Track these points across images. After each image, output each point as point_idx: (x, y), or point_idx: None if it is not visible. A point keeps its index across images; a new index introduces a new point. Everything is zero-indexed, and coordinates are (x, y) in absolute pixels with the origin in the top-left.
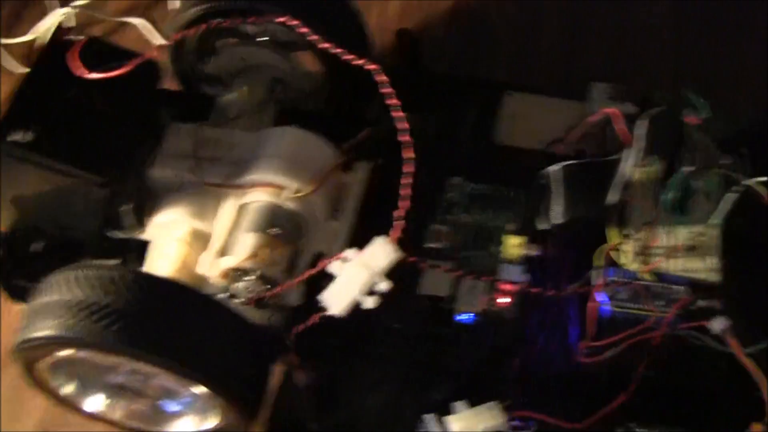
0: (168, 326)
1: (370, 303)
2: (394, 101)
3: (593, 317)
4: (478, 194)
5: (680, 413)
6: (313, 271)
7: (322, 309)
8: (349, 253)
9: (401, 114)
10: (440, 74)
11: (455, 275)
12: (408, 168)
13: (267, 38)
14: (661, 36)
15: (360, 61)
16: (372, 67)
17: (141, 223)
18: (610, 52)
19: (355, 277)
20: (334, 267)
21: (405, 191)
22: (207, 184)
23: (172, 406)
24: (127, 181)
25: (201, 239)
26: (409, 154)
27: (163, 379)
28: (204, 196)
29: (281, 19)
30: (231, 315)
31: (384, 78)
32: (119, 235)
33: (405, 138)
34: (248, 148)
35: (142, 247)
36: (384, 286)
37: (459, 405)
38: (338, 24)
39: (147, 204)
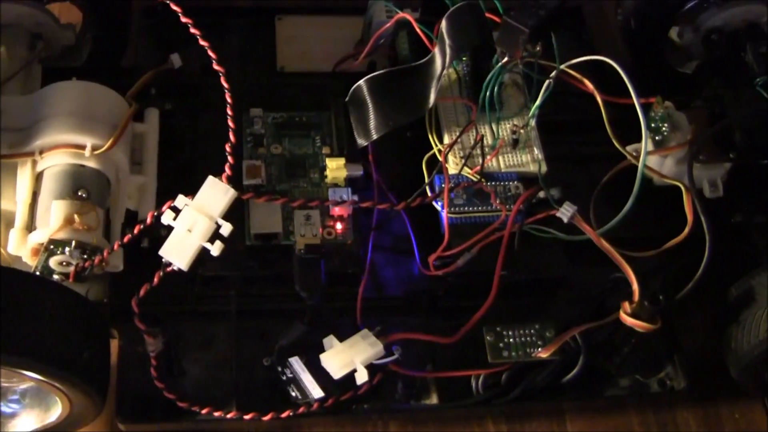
0: None
1: (216, 249)
2: (196, 31)
3: (446, 223)
4: (281, 123)
5: (541, 308)
6: (136, 230)
7: (163, 266)
8: (180, 200)
9: (206, 43)
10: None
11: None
12: (228, 98)
13: None
14: None
15: None
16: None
17: None
18: None
19: (195, 224)
20: (167, 217)
21: (232, 123)
22: None
23: (4, 408)
24: None
25: (3, 219)
26: (224, 83)
27: None
28: None
29: None
30: (56, 289)
31: (177, 8)
32: None
33: (218, 67)
34: (28, 111)
35: None
36: (227, 228)
37: (328, 340)
38: None
39: None
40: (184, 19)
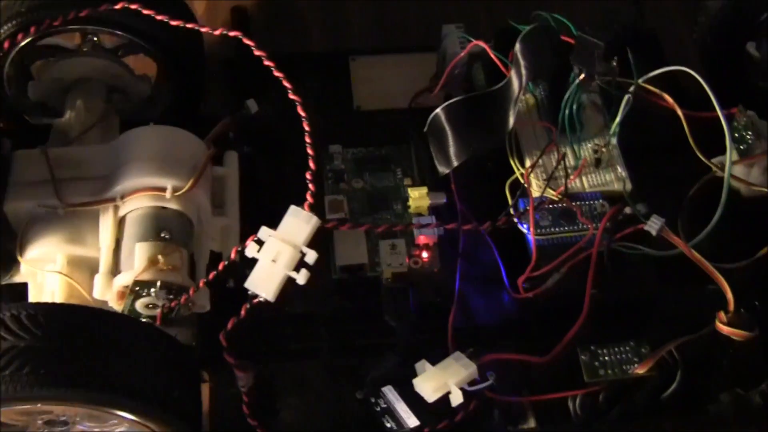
0: (87, 356)
1: (302, 278)
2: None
3: (534, 243)
4: (361, 157)
5: (634, 326)
6: (221, 267)
7: (250, 298)
8: (264, 231)
9: (287, 83)
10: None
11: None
12: (306, 126)
13: (88, 48)
14: None
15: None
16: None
17: (9, 268)
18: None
19: (279, 254)
20: (251, 250)
21: (311, 150)
22: (71, 205)
23: None
24: None
25: (82, 265)
26: (301, 111)
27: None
28: (74, 219)
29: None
30: (147, 329)
31: (250, 42)
32: None
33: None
34: (107, 158)
35: (20, 291)
36: (311, 256)
37: (421, 365)
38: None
39: (13, 244)
40: (267, 63)
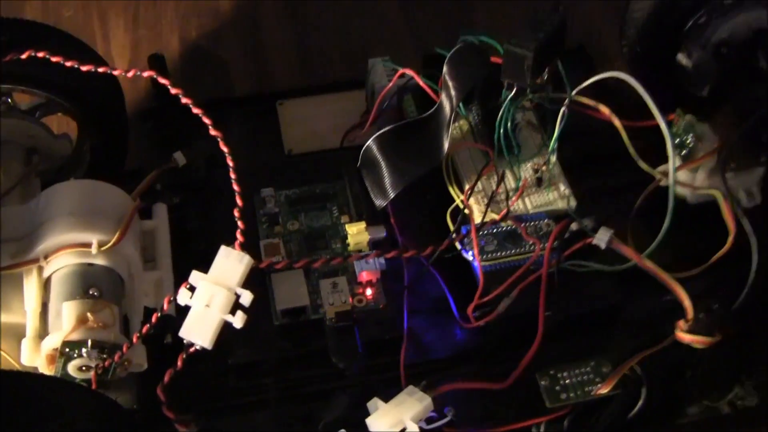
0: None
1: (238, 321)
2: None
3: (480, 270)
4: (295, 198)
5: (593, 344)
6: (154, 320)
7: (186, 347)
8: (195, 276)
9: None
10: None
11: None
12: (230, 162)
13: (3, 108)
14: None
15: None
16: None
17: None
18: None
19: (212, 297)
20: (183, 297)
21: (237, 187)
22: None
23: None
24: None
25: (9, 333)
26: (224, 147)
27: None
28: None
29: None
30: (81, 392)
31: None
32: None
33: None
34: (27, 218)
35: None
36: (247, 298)
37: (373, 403)
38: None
39: None
40: (195, 110)
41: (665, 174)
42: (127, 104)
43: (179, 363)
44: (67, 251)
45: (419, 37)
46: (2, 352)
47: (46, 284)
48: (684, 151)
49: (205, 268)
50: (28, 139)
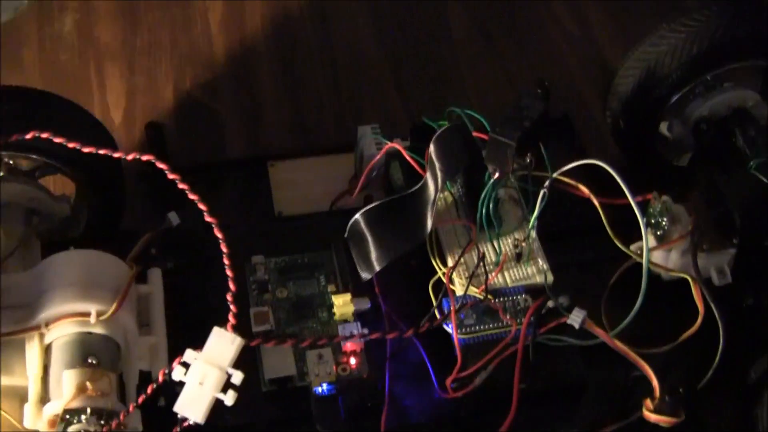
0: None
1: (230, 399)
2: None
3: (457, 345)
4: (284, 267)
5: (564, 415)
6: (149, 390)
7: (180, 421)
8: (189, 354)
9: (196, 197)
10: (192, 166)
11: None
12: (224, 247)
13: (3, 172)
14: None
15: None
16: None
17: None
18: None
19: (205, 376)
20: (177, 373)
21: (230, 272)
22: None
23: None
24: None
25: (11, 395)
26: (219, 234)
27: None
28: (3, 349)
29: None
30: None
31: (164, 165)
32: None
33: (210, 219)
34: (29, 286)
35: None
36: (238, 377)
37: None
38: (81, 131)
39: None
40: (171, 176)
41: (641, 252)
42: (125, 164)
43: None
44: (67, 320)
45: (409, 99)
46: (4, 413)
47: (47, 350)
48: (659, 232)
49: (199, 331)
50: (28, 201)
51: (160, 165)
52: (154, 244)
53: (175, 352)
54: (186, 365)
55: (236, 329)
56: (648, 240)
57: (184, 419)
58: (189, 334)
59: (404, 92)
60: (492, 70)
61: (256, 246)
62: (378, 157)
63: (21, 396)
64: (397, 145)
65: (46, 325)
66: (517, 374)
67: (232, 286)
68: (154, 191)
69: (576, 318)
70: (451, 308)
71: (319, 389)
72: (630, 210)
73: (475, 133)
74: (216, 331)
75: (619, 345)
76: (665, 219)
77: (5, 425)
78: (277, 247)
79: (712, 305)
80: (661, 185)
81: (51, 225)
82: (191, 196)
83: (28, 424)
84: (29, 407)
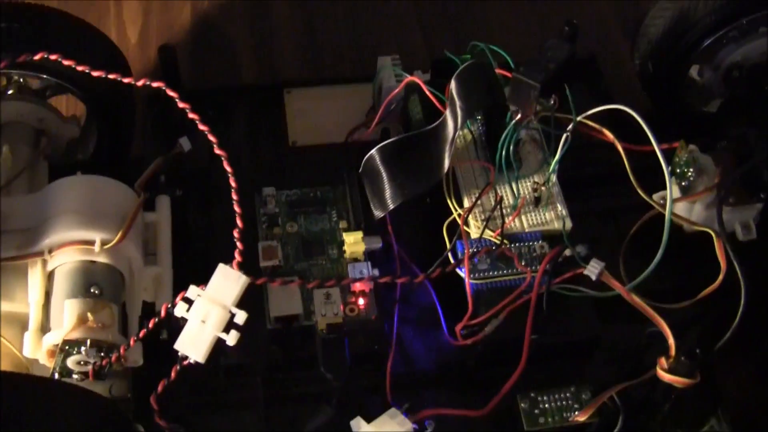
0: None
1: (232, 339)
2: (195, 115)
3: (469, 291)
4: (295, 200)
5: (575, 370)
6: (151, 324)
7: (180, 359)
8: (192, 290)
9: (206, 127)
10: (206, 89)
11: (303, 288)
12: (233, 182)
13: (13, 91)
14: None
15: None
16: (158, 84)
17: None
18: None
19: (208, 314)
20: (180, 310)
21: (238, 208)
22: None
23: None
24: None
25: (13, 321)
26: (227, 167)
27: None
28: (2, 274)
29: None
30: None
31: (174, 93)
32: None
33: (219, 152)
34: (34, 210)
35: None
36: (241, 317)
37: (356, 422)
38: (93, 52)
39: None
40: (181, 105)
41: (663, 202)
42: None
43: (173, 374)
44: (70, 248)
45: (430, 33)
46: (4, 340)
47: (49, 277)
48: (684, 183)
49: (204, 263)
50: (37, 121)
51: (171, 92)
52: (164, 171)
53: (180, 284)
54: (189, 301)
55: (242, 267)
56: (672, 190)
57: (185, 357)
58: (195, 267)
59: (426, 25)
60: (520, 6)
61: (268, 177)
62: (397, 90)
63: (22, 324)
64: (416, 79)
65: (50, 251)
66: (529, 325)
67: (239, 222)
68: (166, 115)
69: (593, 269)
70: (465, 252)
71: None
72: (654, 158)
73: (498, 70)
74: (221, 268)
75: (636, 299)
76: (691, 169)
77: (5, 353)
78: (290, 177)
79: (735, 262)
80: (688, 134)
81: (59, 147)
82: (201, 127)
83: (27, 353)
84: (29, 335)
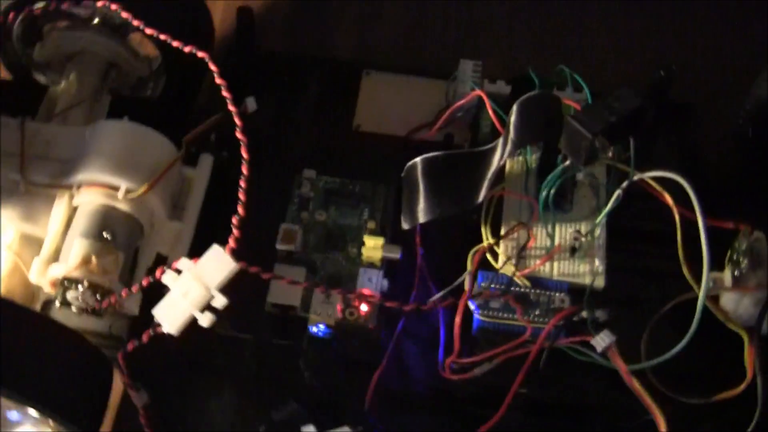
0: None
1: (206, 321)
2: (226, 93)
3: (457, 331)
4: (333, 189)
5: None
6: (145, 282)
7: (154, 325)
8: (184, 262)
9: (233, 108)
10: (284, 53)
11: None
12: (245, 170)
13: (98, 21)
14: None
15: (187, 48)
16: (202, 54)
17: None
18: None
19: (190, 291)
20: (168, 278)
21: (242, 196)
22: (33, 184)
23: (13, 415)
24: None
25: (33, 244)
26: (245, 154)
27: None
28: (33, 198)
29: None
30: (58, 333)
31: (214, 68)
32: None
33: (240, 136)
34: (77, 144)
35: None
36: (220, 302)
37: (306, 428)
38: (173, 6)
39: None
40: (218, 80)
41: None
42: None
43: (144, 338)
44: (96, 189)
45: (537, 44)
46: (18, 259)
47: (72, 212)
48: (736, 272)
49: (225, 235)
50: (111, 55)
51: (212, 66)
52: (220, 129)
53: (197, 245)
54: (179, 272)
55: (235, 254)
56: (709, 278)
57: (159, 324)
58: (220, 233)
59: (535, 34)
60: (627, 39)
61: (317, 155)
62: (464, 101)
63: (40, 247)
64: (482, 93)
65: (78, 187)
66: (520, 377)
67: (240, 210)
68: (235, 74)
69: (601, 341)
70: (480, 285)
71: (314, 329)
72: (715, 232)
73: (567, 101)
74: (214, 249)
75: (635, 384)
76: (745, 261)
77: (17, 272)
78: (333, 165)
79: (759, 376)
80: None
81: (127, 82)
82: (213, 67)
83: (33, 278)
84: (38, 261)
